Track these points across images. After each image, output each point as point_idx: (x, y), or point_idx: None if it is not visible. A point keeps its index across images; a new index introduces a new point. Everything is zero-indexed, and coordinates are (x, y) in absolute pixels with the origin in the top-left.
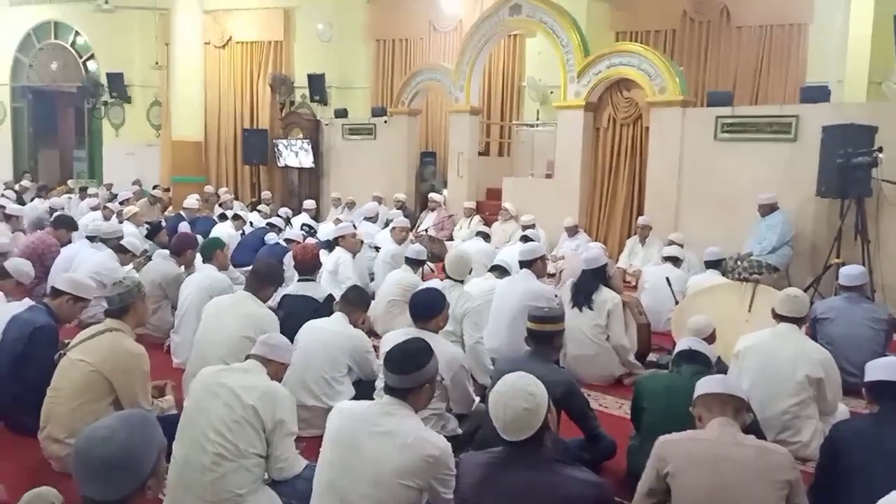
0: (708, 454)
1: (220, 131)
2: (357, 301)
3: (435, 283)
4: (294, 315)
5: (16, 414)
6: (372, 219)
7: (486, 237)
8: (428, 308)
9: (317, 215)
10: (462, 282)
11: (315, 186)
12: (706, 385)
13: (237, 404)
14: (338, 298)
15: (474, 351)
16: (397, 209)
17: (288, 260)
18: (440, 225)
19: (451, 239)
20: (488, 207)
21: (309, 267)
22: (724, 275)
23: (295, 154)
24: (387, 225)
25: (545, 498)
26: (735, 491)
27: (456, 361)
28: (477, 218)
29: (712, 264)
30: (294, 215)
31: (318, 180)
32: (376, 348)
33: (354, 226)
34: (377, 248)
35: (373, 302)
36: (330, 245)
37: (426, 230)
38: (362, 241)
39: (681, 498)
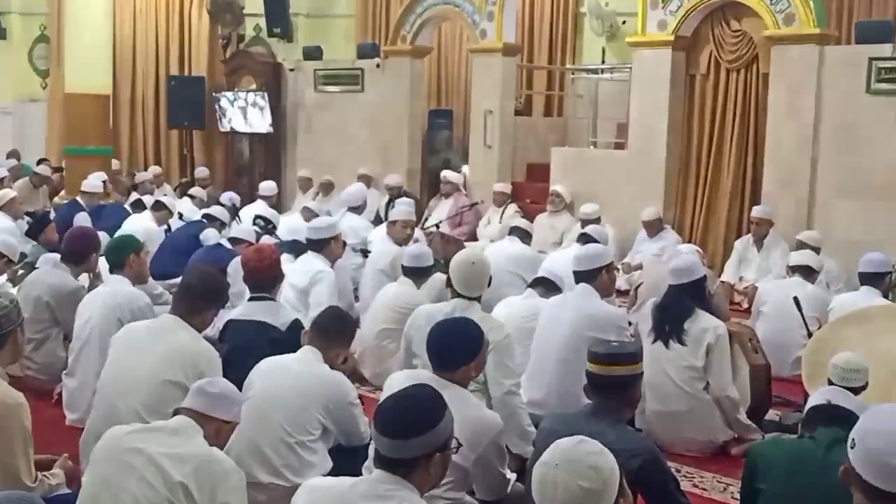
0: None
1: (135, 81)
2: (336, 330)
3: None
4: (244, 350)
5: None
6: (357, 209)
7: (526, 236)
8: (455, 350)
9: (277, 203)
10: (477, 300)
11: (274, 161)
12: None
13: (160, 481)
14: (307, 326)
15: (506, 406)
16: (394, 195)
17: (235, 269)
18: (458, 218)
19: (473, 238)
20: (530, 192)
21: (265, 280)
22: (885, 294)
23: (244, 114)
24: (379, 220)
25: None
26: None
27: (488, 433)
28: (513, 208)
29: (869, 278)
30: (244, 204)
31: (279, 152)
32: (364, 399)
33: (308, 218)
34: (365, 253)
35: (358, 331)
36: (296, 247)
37: (437, 225)
38: (344, 243)
39: None
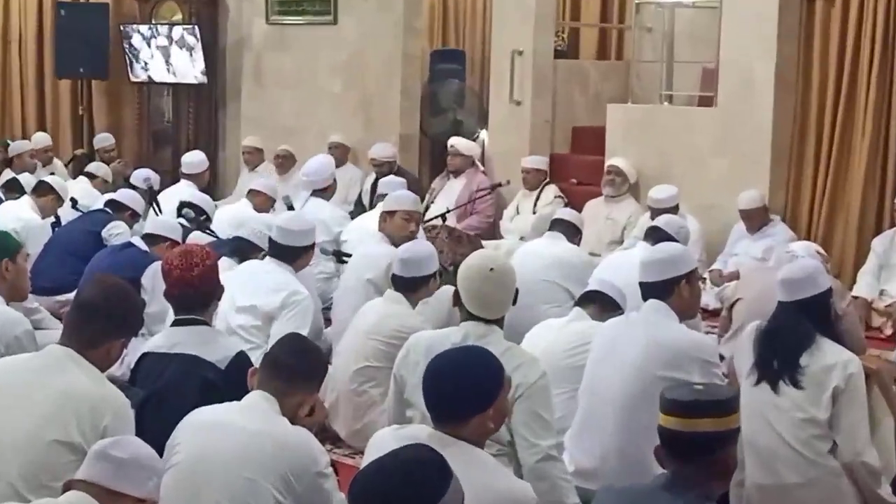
0: None
1: (7, 9)
2: (299, 368)
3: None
4: (165, 397)
5: None
6: (324, 192)
7: (571, 232)
8: (462, 394)
9: (211, 185)
10: (498, 323)
11: (209, 125)
12: None
13: None
14: (258, 361)
15: (541, 477)
16: (383, 172)
17: (153, 280)
18: (472, 206)
19: (495, 235)
20: (576, 169)
21: (196, 295)
22: None
23: (166, 57)
24: (361, 208)
25: None
26: None
27: None
28: (552, 192)
29: None
30: (165, 186)
31: (216, 112)
32: (338, 467)
33: (290, 205)
34: (339, 256)
35: (330, 369)
36: (239, 248)
37: (442, 216)
38: (311, 245)
39: None
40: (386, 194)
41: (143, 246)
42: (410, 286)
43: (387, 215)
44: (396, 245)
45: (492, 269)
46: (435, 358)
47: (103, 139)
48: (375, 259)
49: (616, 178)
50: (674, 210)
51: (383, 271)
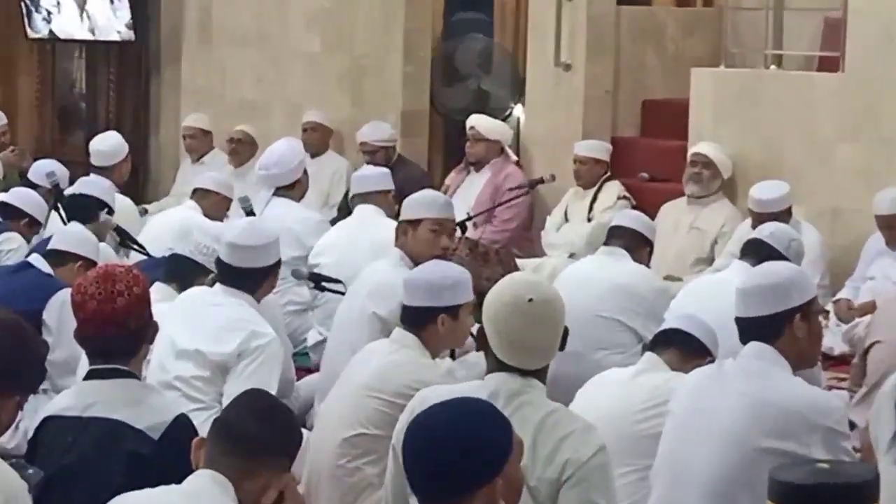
0: None
1: None
2: (261, 439)
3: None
4: (76, 477)
5: None
6: (290, 188)
7: (637, 244)
8: (456, 468)
9: (141, 181)
10: (538, 376)
11: (136, 97)
12: None
13: None
14: (205, 428)
15: None
16: (378, 162)
17: (58, 314)
18: (499, 209)
19: (533, 250)
20: (647, 157)
21: (119, 337)
22: None
23: (78, 4)
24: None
25: None
26: None
27: None
28: (614, 190)
29: None
30: (73, 180)
31: (146, 80)
32: None
33: (249, 209)
34: (318, 282)
35: (308, 438)
36: (179, 271)
37: (461, 224)
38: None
39: None
40: (362, 194)
41: (45, 267)
42: (415, 320)
43: (407, 227)
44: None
45: (531, 300)
46: (417, 417)
47: None
48: (389, 288)
49: (703, 171)
50: (784, 216)
51: (394, 310)
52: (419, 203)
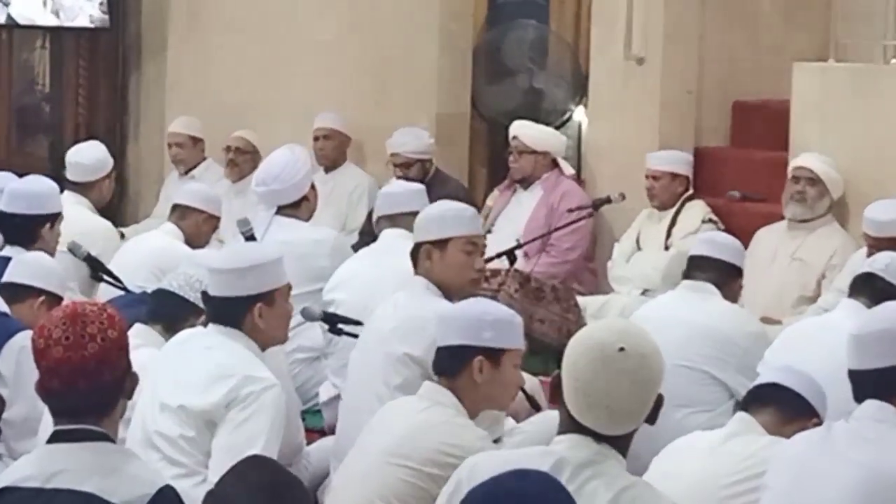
0: None
1: None
2: None
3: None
4: None
5: None
6: (294, 207)
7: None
8: None
9: (118, 199)
10: (618, 445)
11: (112, 96)
12: None
13: None
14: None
15: None
16: (411, 177)
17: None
18: (558, 238)
19: (594, 285)
20: (739, 172)
21: (90, 392)
22: None
23: None
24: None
25: None
26: None
27: None
28: (698, 211)
29: None
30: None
31: (124, 75)
32: None
33: (249, 233)
34: (333, 323)
35: None
36: (163, 309)
37: (509, 254)
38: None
39: None
40: (390, 216)
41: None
42: (458, 366)
43: (431, 249)
44: (454, 297)
45: (622, 350)
46: (470, 494)
47: None
48: (420, 321)
49: (808, 189)
50: None
51: (432, 344)
52: (444, 219)
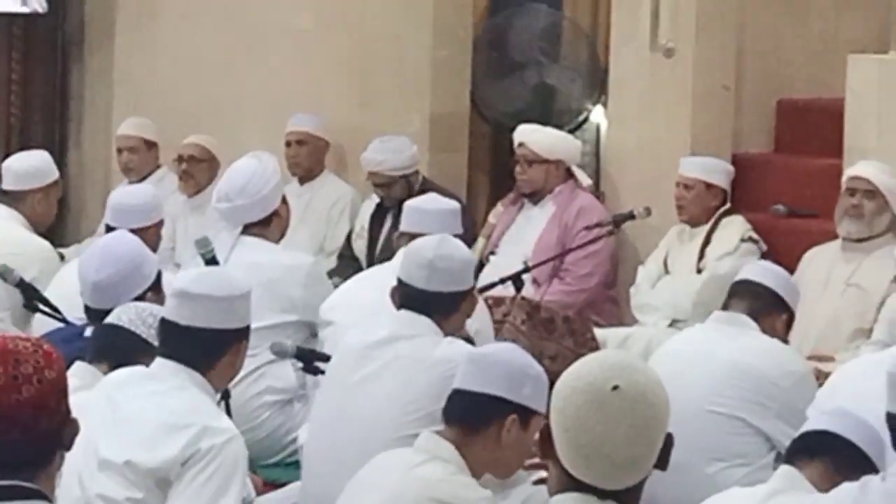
0: None
1: None
2: None
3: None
4: None
5: None
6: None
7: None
8: None
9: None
10: (622, 500)
11: (51, 94)
12: None
13: None
14: None
15: None
16: (397, 195)
17: None
18: (575, 260)
19: (614, 316)
20: (784, 182)
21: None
22: None
23: None
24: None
25: None
26: None
27: None
28: (737, 228)
29: None
30: None
31: (64, 69)
32: None
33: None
34: (309, 362)
35: None
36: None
37: (515, 279)
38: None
39: None
40: (412, 235)
41: None
42: (488, 420)
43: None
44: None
45: (616, 388)
46: None
47: None
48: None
49: (865, 202)
50: None
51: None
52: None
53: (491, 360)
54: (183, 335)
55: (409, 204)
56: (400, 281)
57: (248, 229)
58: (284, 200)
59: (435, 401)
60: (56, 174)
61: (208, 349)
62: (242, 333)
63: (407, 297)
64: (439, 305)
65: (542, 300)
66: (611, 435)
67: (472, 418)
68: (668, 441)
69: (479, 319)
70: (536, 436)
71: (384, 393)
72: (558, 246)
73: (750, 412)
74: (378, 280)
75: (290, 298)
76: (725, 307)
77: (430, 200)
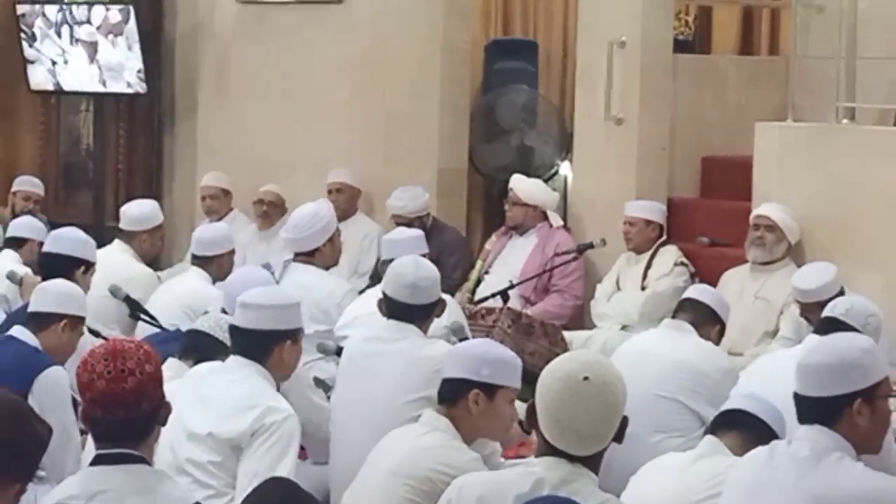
0: None
1: None
2: None
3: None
4: None
5: None
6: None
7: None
8: None
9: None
10: (589, 464)
11: (149, 154)
12: None
13: None
14: None
15: None
16: (401, 222)
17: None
18: (547, 277)
19: (581, 322)
20: (707, 220)
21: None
22: None
23: (88, 52)
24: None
25: None
26: None
27: None
28: (670, 256)
29: None
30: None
31: (159, 135)
32: None
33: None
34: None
35: None
36: (195, 346)
37: (503, 293)
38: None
39: None
40: (390, 261)
41: (29, 339)
42: (456, 395)
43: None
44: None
45: (586, 379)
46: None
47: None
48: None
49: (767, 234)
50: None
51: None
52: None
53: (457, 353)
54: (242, 335)
55: (384, 238)
56: (386, 296)
57: (297, 257)
58: (331, 240)
59: (426, 388)
60: (161, 219)
61: (261, 346)
62: (287, 334)
63: (394, 309)
64: (421, 314)
65: (524, 310)
66: (581, 414)
67: (448, 397)
68: (624, 421)
69: (455, 314)
70: (522, 408)
71: (389, 383)
72: (539, 269)
73: (687, 397)
74: (375, 301)
75: (327, 314)
76: (674, 317)
77: (399, 232)
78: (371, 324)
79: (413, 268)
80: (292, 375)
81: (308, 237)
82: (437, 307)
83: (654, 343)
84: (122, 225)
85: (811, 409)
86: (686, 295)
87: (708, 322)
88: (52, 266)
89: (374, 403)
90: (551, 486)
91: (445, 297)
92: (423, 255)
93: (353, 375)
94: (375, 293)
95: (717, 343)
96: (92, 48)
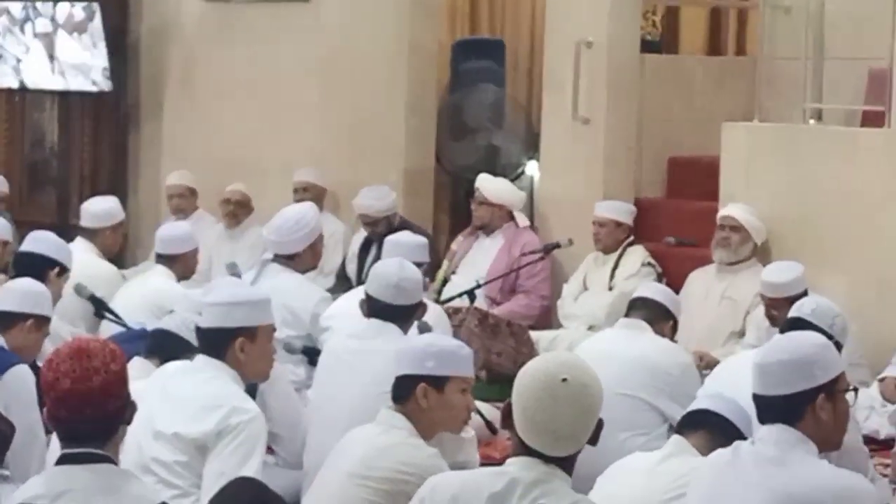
0: None
1: None
2: None
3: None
4: None
5: None
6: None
7: (658, 317)
8: None
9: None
10: (563, 465)
11: (114, 153)
12: None
13: None
14: None
15: None
16: (380, 231)
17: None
18: (514, 277)
19: (547, 322)
20: (674, 220)
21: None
22: None
23: (49, 50)
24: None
25: None
26: None
27: None
28: (638, 256)
29: None
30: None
31: (125, 134)
32: None
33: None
34: (313, 357)
35: None
36: (161, 346)
37: (470, 293)
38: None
39: None
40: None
41: None
42: (406, 392)
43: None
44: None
45: (565, 381)
46: None
47: None
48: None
49: (732, 235)
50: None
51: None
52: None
53: (402, 349)
54: (201, 333)
55: (390, 239)
56: (368, 295)
57: (276, 258)
58: (312, 247)
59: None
60: (122, 215)
61: (216, 343)
62: (240, 332)
63: (376, 308)
64: (402, 315)
65: (490, 310)
66: (558, 416)
67: (399, 394)
68: (599, 424)
69: (437, 315)
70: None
71: (367, 379)
72: (506, 270)
73: (648, 394)
74: (354, 304)
75: (299, 318)
76: (627, 316)
77: (406, 236)
78: (353, 322)
79: (397, 268)
80: (271, 376)
81: (290, 241)
82: (418, 309)
83: (612, 342)
84: (83, 222)
85: (773, 408)
86: (637, 294)
87: (661, 318)
88: (27, 265)
89: (351, 400)
90: (524, 486)
91: (431, 304)
92: (421, 265)
93: (332, 372)
94: (357, 294)
95: (672, 338)
96: (48, 40)
